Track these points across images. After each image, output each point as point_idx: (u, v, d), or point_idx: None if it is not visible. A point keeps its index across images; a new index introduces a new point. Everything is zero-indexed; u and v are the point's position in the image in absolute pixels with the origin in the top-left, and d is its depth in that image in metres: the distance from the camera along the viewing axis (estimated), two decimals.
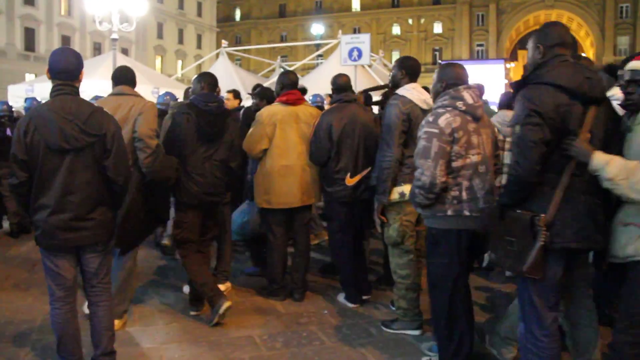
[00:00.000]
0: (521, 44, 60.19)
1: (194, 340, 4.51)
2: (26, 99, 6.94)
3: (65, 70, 3.49)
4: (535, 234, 2.90)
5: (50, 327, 3.65)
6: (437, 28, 62.85)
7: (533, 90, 2.96)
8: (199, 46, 59.77)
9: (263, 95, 6.15)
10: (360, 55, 14.00)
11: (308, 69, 33.14)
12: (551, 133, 2.88)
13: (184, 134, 4.65)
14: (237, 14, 73.30)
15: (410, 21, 63.48)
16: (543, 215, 2.90)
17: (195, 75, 5.11)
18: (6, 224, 8.46)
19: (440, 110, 3.62)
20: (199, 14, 62.59)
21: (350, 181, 5.02)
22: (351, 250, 5.27)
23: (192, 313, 5.04)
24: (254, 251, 6.38)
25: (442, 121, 3.55)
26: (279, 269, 5.46)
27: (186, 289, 5.31)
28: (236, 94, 7.52)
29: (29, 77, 33.96)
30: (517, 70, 48.99)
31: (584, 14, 55.01)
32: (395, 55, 58.70)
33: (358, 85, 9.89)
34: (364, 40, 14.05)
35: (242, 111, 7.02)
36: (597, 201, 2.99)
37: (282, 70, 19.51)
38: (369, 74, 16.13)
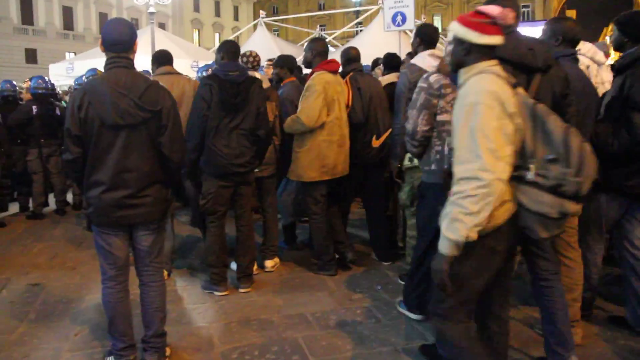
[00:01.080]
0: (569, 3, 57.95)
1: (244, 319, 4.36)
2: (87, 71, 6.89)
3: (119, 41, 3.34)
4: None
5: (101, 306, 3.57)
6: None
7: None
8: (236, 18, 59.51)
9: (283, 64, 5.90)
10: (404, 20, 13.42)
11: (347, 37, 32.49)
12: None
13: (208, 105, 4.54)
14: None
15: None
16: None
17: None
18: (52, 202, 8.48)
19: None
20: None
21: (376, 143, 5.39)
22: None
23: (242, 290, 4.91)
24: (287, 228, 6.24)
25: (432, 78, 3.78)
26: (328, 241, 5.35)
27: (233, 265, 5.12)
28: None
29: (69, 55, 34.20)
30: None
31: None
32: (437, 20, 57.47)
33: (404, 53, 9.47)
34: (408, 4, 13.45)
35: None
36: None
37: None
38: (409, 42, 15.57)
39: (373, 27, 16.32)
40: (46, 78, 8.69)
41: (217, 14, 58.14)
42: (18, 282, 5.28)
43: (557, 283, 3.30)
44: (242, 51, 5.26)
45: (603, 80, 4.70)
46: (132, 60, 3.42)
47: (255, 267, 5.19)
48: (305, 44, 5.44)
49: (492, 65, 2.63)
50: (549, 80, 3.15)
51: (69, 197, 8.69)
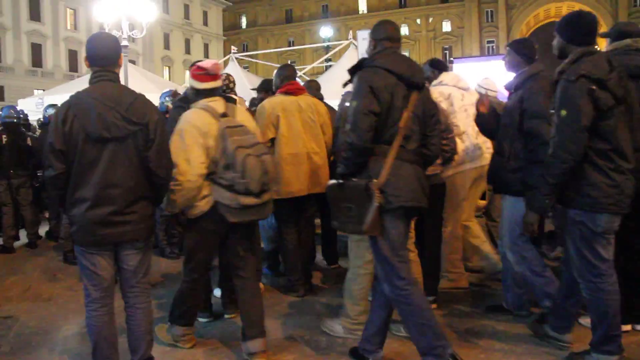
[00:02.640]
0: (531, 38, 59.61)
1: (232, 344, 4.18)
2: (47, 106, 6.81)
3: (104, 56, 3.27)
4: (370, 197, 3.24)
5: (81, 335, 3.61)
6: (446, 26, 62.57)
7: (368, 72, 3.39)
8: (206, 55, 59.63)
9: (263, 88, 6.17)
10: None
11: (317, 73, 32.79)
12: (380, 106, 3.30)
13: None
14: (244, 22, 73.50)
15: (418, 21, 63.36)
16: (375, 179, 3.27)
17: None
18: (23, 236, 8.20)
19: None
20: (205, 23, 62.67)
21: None
22: None
23: (227, 316, 4.76)
24: (270, 253, 6.14)
25: None
26: (296, 261, 5.28)
27: (217, 292, 4.93)
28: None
29: (37, 92, 33.87)
30: None
31: (596, 5, 54.02)
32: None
33: None
34: (364, 37, 13.71)
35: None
36: (421, 169, 3.49)
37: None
38: None
39: (343, 61, 16.39)
40: (17, 108, 8.52)
41: (188, 51, 58.34)
42: None
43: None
44: None
45: (472, 102, 4.97)
46: (117, 75, 3.33)
47: None
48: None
49: (208, 102, 3.73)
50: (422, 97, 3.50)
51: (41, 230, 8.42)
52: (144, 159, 3.23)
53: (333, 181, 3.53)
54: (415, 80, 3.43)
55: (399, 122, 3.33)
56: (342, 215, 3.43)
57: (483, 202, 6.13)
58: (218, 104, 3.77)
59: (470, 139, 5.13)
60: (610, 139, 3.28)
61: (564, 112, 3.26)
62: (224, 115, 3.71)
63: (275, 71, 5.50)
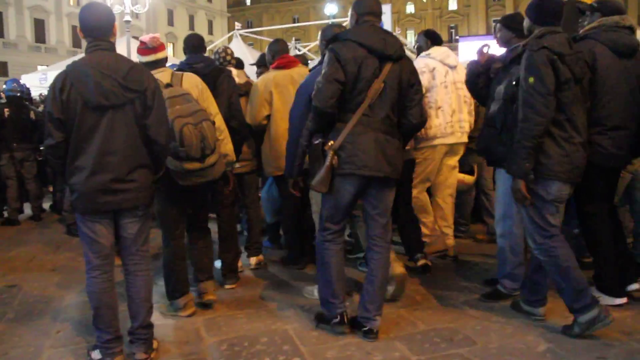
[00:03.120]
0: None
1: (232, 313, 4.26)
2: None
3: (98, 27, 3.29)
4: (325, 155, 3.51)
5: (83, 304, 3.68)
6: (452, 5, 62.08)
7: (338, 44, 3.58)
8: (210, 32, 59.35)
9: (261, 62, 6.20)
10: (381, 26, 13.58)
11: None
12: (347, 76, 3.50)
13: None
14: None
15: None
16: (332, 141, 3.52)
17: None
18: (27, 209, 8.30)
19: None
20: (209, 0, 62.17)
21: None
22: None
23: (227, 287, 4.81)
24: (271, 226, 6.18)
25: None
26: (296, 234, 5.35)
27: (217, 263, 4.99)
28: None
29: (41, 68, 33.81)
30: None
31: None
32: (410, 34, 57.93)
33: None
34: (384, 11, 13.61)
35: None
36: (387, 138, 3.57)
37: (297, 51, 19.12)
38: None
39: None
40: (21, 81, 8.53)
41: (192, 27, 57.91)
42: None
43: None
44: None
45: (455, 80, 5.22)
46: (113, 44, 3.34)
47: (240, 264, 5.10)
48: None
49: (154, 73, 3.57)
50: (398, 69, 3.61)
51: (45, 204, 8.51)
52: (143, 126, 3.26)
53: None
54: (388, 53, 3.55)
55: (367, 92, 3.53)
56: (312, 172, 3.69)
57: (470, 178, 6.12)
58: (163, 75, 3.94)
59: (445, 116, 5.17)
60: (565, 110, 3.51)
61: (531, 79, 3.46)
62: (168, 85, 3.88)
63: (266, 47, 5.50)
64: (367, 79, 3.53)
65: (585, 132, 3.63)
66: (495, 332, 3.75)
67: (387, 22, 13.32)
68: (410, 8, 63.37)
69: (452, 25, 61.99)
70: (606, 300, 3.97)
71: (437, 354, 3.46)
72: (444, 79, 5.18)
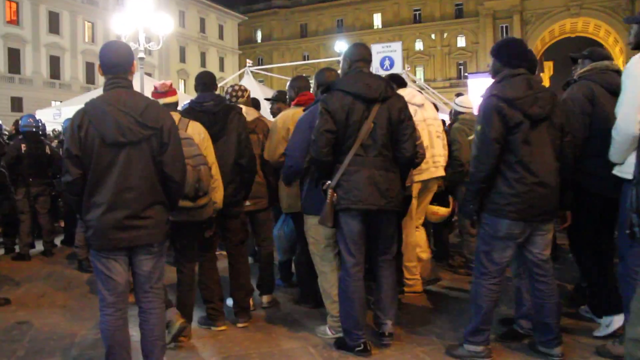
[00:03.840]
0: (547, 54, 59.39)
1: (244, 352, 4.22)
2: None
3: (117, 64, 3.36)
4: (325, 195, 3.91)
5: (95, 342, 3.74)
6: (461, 42, 62.58)
7: (328, 95, 3.98)
8: (221, 69, 60.10)
9: (277, 98, 6.29)
10: (392, 64, 13.67)
11: None
12: (337, 124, 3.87)
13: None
14: (259, 36, 74.05)
15: (433, 36, 63.39)
16: (329, 182, 3.92)
17: None
18: (39, 244, 8.28)
19: None
20: (221, 37, 63.15)
21: None
22: None
23: (240, 325, 4.76)
24: (283, 265, 6.12)
25: None
26: (308, 273, 5.14)
27: (229, 301, 4.94)
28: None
29: (55, 104, 34.29)
30: (543, 81, 48.21)
31: (612, 21, 53.98)
32: (420, 71, 58.57)
33: None
34: (395, 49, 13.77)
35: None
36: (381, 173, 3.90)
37: None
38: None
39: None
40: (36, 117, 8.61)
41: (203, 64, 58.67)
42: (5, 319, 5.07)
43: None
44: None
45: (425, 117, 5.41)
46: (130, 81, 3.40)
47: (252, 303, 5.05)
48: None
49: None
50: (386, 108, 3.94)
51: (56, 240, 8.51)
52: (159, 163, 3.28)
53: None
54: (372, 96, 3.91)
55: (358, 133, 3.89)
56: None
57: (445, 210, 6.17)
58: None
59: None
60: (515, 152, 3.63)
61: (479, 127, 3.70)
62: None
63: (287, 83, 5.54)
64: (356, 123, 3.88)
65: (547, 171, 3.68)
66: None
67: (397, 59, 13.41)
68: (419, 45, 63.90)
69: (461, 62, 62.32)
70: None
71: None
72: (414, 117, 5.10)
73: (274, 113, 6.34)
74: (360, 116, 3.88)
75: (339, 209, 3.92)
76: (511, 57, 3.82)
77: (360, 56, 4.14)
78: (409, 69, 27.23)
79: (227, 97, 5.34)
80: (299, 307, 5.27)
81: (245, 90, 5.48)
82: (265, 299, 5.31)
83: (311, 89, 5.17)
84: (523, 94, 3.63)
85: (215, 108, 4.57)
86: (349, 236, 3.99)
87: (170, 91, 4.34)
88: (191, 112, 4.59)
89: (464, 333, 3.95)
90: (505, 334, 4.31)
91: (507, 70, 3.75)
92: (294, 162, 4.36)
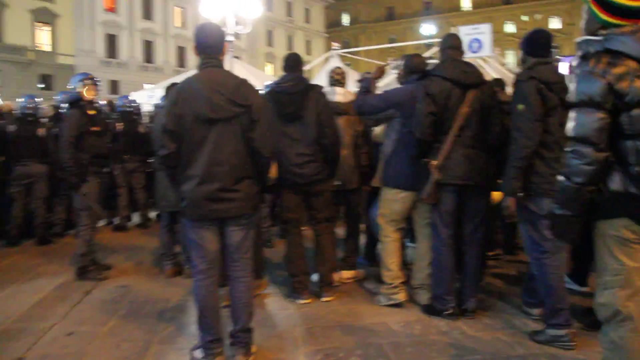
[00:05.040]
0: None
1: (327, 324, 4.37)
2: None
3: (211, 44, 3.54)
4: (429, 173, 4.21)
5: (186, 308, 4.05)
6: (554, 23, 59.93)
7: (428, 81, 4.34)
8: (308, 52, 60.43)
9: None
10: (480, 46, 13.31)
11: None
12: (437, 107, 4.22)
13: None
14: (345, 19, 73.84)
15: (524, 18, 61.08)
16: (435, 160, 4.23)
17: None
18: (136, 217, 8.81)
19: None
20: (307, 20, 63.55)
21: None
22: None
23: (324, 299, 4.90)
24: (369, 244, 6.15)
25: None
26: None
27: (315, 276, 5.11)
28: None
29: (148, 87, 35.62)
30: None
31: None
32: (510, 55, 56.66)
33: None
34: (484, 31, 13.36)
35: None
36: (475, 152, 4.26)
37: (393, 71, 19.10)
38: (485, 71, 15.15)
39: None
40: (131, 97, 9.07)
41: (290, 47, 59.11)
42: (107, 283, 5.50)
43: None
44: (314, 81, 5.45)
45: None
46: (222, 61, 3.58)
47: (338, 277, 5.22)
48: (399, 62, 5.26)
49: None
50: (480, 94, 4.29)
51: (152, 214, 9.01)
52: (249, 139, 3.45)
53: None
54: (468, 82, 4.27)
55: (455, 116, 4.20)
56: (419, 187, 4.34)
57: (498, 194, 5.98)
58: None
59: None
60: (553, 132, 3.82)
61: (520, 107, 3.85)
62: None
63: (400, 62, 5.28)
64: (454, 106, 4.22)
65: None
66: None
67: (486, 41, 13.06)
68: (510, 28, 61.78)
69: (555, 44, 59.86)
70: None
71: None
72: None
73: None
74: (457, 100, 4.23)
75: (441, 184, 4.23)
76: (538, 47, 4.04)
77: (453, 44, 4.48)
78: (499, 52, 26.47)
79: (331, 79, 5.61)
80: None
81: (344, 73, 5.69)
82: (346, 274, 5.44)
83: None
84: (558, 79, 3.86)
85: (293, 88, 4.69)
86: (445, 210, 4.34)
87: None
88: (270, 92, 4.78)
89: (543, 317, 4.04)
90: (591, 323, 4.25)
91: (535, 59, 3.97)
92: (374, 107, 4.74)
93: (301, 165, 4.68)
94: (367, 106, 4.77)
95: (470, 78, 4.31)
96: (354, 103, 4.99)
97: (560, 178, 2.71)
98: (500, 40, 58.74)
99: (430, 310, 4.47)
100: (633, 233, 2.59)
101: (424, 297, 4.65)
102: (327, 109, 4.81)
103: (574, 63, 2.75)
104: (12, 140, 7.21)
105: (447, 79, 4.26)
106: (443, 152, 4.22)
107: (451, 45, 4.49)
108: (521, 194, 3.90)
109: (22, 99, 7.58)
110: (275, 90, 4.74)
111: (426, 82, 4.34)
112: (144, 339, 4.05)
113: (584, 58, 2.63)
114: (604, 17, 2.64)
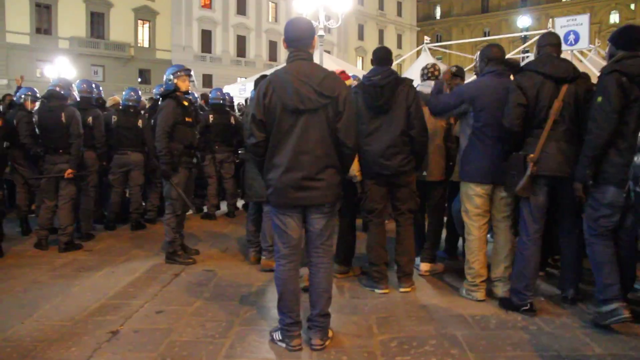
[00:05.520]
0: None
1: (403, 314, 4.43)
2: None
3: (299, 38, 3.64)
4: (525, 166, 4.25)
5: (267, 293, 4.21)
6: None
7: (519, 75, 4.44)
8: (399, 46, 60.16)
9: (456, 74, 6.10)
10: (577, 39, 12.73)
11: None
12: (528, 100, 4.28)
13: (356, 110, 4.65)
14: (438, 12, 72.93)
15: (632, 6, 57.79)
16: (531, 154, 4.25)
17: None
18: (224, 206, 9.14)
19: None
20: (399, 14, 63.20)
21: None
22: None
23: (402, 290, 4.94)
24: (450, 238, 6.14)
25: None
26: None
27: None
28: None
29: (240, 80, 36.53)
30: None
31: None
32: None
33: None
34: (582, 22, 12.73)
35: None
36: (568, 145, 4.27)
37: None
38: (582, 64, 14.47)
39: None
40: (223, 90, 9.38)
41: (381, 41, 59.06)
42: (194, 267, 5.77)
43: None
44: (404, 75, 5.51)
45: None
46: (311, 54, 3.67)
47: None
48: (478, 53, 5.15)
49: None
50: (574, 88, 4.30)
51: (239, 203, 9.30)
52: (334, 130, 3.54)
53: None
54: (561, 76, 4.28)
55: (548, 110, 4.24)
56: (508, 180, 4.38)
57: None
58: None
59: None
60: (630, 123, 3.88)
61: (599, 99, 3.93)
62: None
63: (478, 53, 5.22)
64: (546, 100, 4.25)
65: None
66: None
67: (584, 33, 12.47)
68: (614, 17, 58.70)
69: None
70: None
71: None
72: None
73: (451, 89, 6.36)
74: (550, 94, 4.24)
75: (535, 177, 4.25)
76: (628, 41, 4.07)
77: (549, 41, 4.50)
78: (599, 44, 25.25)
79: (424, 73, 5.78)
80: (462, 279, 5.28)
81: (440, 69, 5.79)
82: (425, 266, 5.46)
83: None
84: None
85: (382, 82, 4.72)
86: (534, 204, 4.35)
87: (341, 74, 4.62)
88: (360, 85, 4.87)
89: (596, 297, 4.13)
90: None
91: (624, 52, 3.99)
92: (447, 105, 4.82)
93: (388, 157, 4.73)
94: (441, 104, 4.86)
95: (564, 72, 4.30)
96: (427, 104, 5.03)
97: None
98: (603, 31, 56.11)
99: (507, 304, 4.46)
100: None
101: (501, 290, 4.64)
102: (416, 102, 4.84)
103: None
104: (114, 130, 7.66)
105: (539, 72, 4.29)
106: (539, 146, 4.24)
107: (550, 42, 4.50)
108: (590, 182, 4.02)
109: (124, 92, 8.02)
110: (365, 84, 4.81)
111: (518, 75, 4.41)
112: (227, 319, 4.23)
113: None
114: None
